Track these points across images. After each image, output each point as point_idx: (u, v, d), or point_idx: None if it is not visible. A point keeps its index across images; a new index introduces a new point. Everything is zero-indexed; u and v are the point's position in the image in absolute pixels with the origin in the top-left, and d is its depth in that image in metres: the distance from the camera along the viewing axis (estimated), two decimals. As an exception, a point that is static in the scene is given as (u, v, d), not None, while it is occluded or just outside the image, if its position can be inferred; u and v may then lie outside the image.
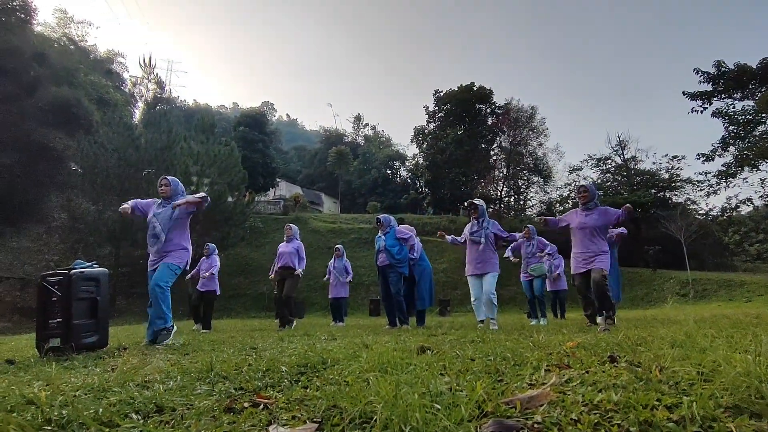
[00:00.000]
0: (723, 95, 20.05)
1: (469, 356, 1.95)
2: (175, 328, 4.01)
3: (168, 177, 4.22)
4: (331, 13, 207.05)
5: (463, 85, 30.23)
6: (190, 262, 4.18)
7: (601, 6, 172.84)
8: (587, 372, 1.32)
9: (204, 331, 7.20)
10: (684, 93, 19.78)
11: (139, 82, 40.29)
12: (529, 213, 35.83)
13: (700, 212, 27.97)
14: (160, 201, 4.19)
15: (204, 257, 7.90)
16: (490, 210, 31.94)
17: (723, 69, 19.30)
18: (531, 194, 34.83)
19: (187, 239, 4.14)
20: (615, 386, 1.11)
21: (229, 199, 21.88)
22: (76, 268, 3.10)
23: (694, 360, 1.36)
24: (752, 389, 1.06)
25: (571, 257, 4.63)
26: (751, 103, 19.93)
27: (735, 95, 19.96)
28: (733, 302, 16.81)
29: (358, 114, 70.02)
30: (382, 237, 5.92)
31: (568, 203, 34.52)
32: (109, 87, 35.03)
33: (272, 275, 6.89)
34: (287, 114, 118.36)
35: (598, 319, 4.42)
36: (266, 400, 1.37)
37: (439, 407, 0.98)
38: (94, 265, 3.29)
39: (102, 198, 22.30)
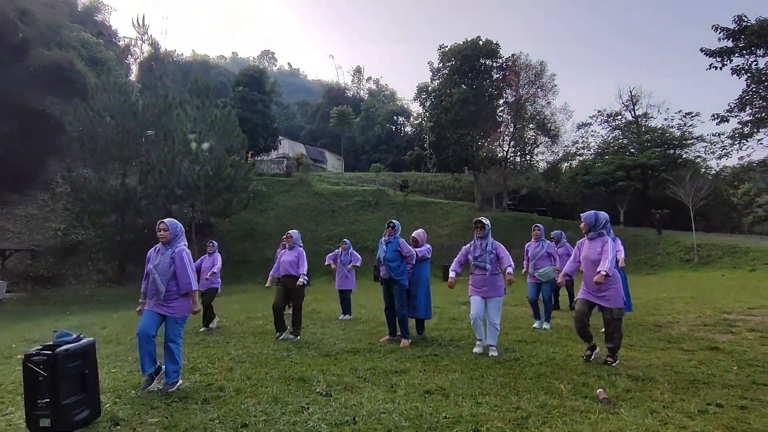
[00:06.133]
0: (744, 51, 18.82)
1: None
2: (180, 381, 3.97)
3: (166, 221, 4.03)
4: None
5: (469, 39, 28.65)
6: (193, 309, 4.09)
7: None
8: None
9: (203, 329, 7.34)
10: (702, 50, 18.61)
11: (132, 43, 38.67)
12: (536, 172, 35.29)
13: (710, 172, 27.42)
14: (158, 248, 4.04)
15: (206, 255, 7.85)
16: (496, 169, 31.40)
17: (744, 24, 18.00)
18: (537, 152, 34.11)
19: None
20: None
21: (230, 167, 21.59)
22: (61, 345, 3.03)
23: None
24: None
25: (581, 285, 4.49)
26: (774, 60, 18.78)
27: (758, 52, 18.75)
28: (737, 270, 16.79)
29: (358, 66, 67.58)
30: (384, 246, 5.80)
31: (575, 161, 33.86)
32: (100, 44, 33.72)
33: (269, 285, 6.69)
34: (288, 63, 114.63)
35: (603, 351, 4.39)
36: None
37: None
38: (81, 336, 3.22)
39: (103, 166, 22.15)
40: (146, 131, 22.28)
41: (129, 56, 39.09)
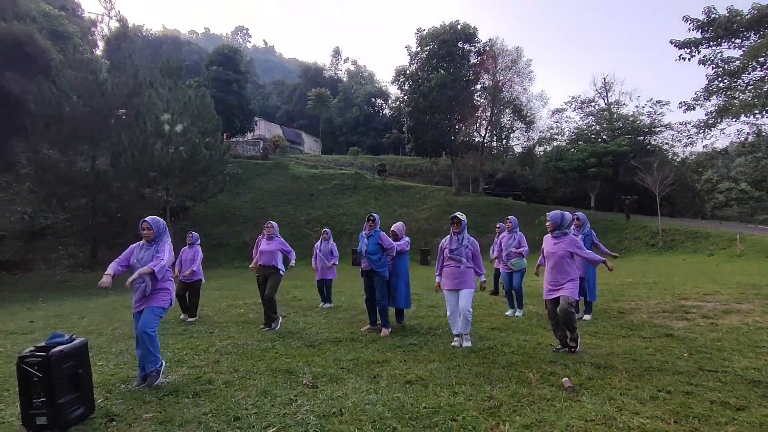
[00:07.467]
0: (712, 43, 19.53)
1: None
2: (164, 365, 4.14)
3: (149, 219, 4.07)
4: None
5: (446, 23, 28.56)
6: (173, 301, 4.20)
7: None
8: None
9: (190, 319, 7.39)
10: (671, 41, 19.23)
11: (99, 19, 36.70)
12: (511, 156, 35.91)
13: (675, 160, 28.54)
14: (142, 243, 4.10)
15: (186, 246, 7.81)
16: (473, 153, 31.81)
17: (713, 15, 18.63)
18: (513, 137, 34.67)
19: (169, 280, 4.14)
20: None
21: (205, 150, 21.14)
22: (54, 346, 3.11)
23: None
24: None
25: (544, 283, 4.78)
26: (739, 52, 19.55)
27: (723, 43, 19.48)
28: (697, 254, 17.79)
29: (337, 47, 66.23)
30: (365, 240, 5.96)
31: (550, 146, 34.54)
32: (62, 17, 31.94)
33: (253, 267, 6.94)
34: (264, 40, 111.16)
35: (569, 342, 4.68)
36: None
37: None
38: (73, 337, 3.30)
39: (71, 147, 21.38)
40: (116, 111, 21.55)
41: (95, 32, 37.16)
